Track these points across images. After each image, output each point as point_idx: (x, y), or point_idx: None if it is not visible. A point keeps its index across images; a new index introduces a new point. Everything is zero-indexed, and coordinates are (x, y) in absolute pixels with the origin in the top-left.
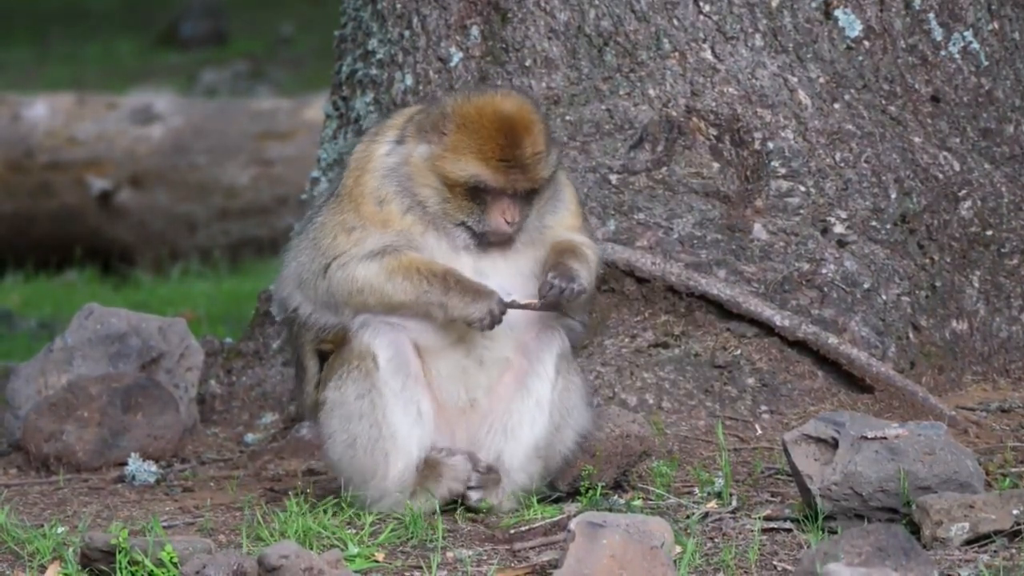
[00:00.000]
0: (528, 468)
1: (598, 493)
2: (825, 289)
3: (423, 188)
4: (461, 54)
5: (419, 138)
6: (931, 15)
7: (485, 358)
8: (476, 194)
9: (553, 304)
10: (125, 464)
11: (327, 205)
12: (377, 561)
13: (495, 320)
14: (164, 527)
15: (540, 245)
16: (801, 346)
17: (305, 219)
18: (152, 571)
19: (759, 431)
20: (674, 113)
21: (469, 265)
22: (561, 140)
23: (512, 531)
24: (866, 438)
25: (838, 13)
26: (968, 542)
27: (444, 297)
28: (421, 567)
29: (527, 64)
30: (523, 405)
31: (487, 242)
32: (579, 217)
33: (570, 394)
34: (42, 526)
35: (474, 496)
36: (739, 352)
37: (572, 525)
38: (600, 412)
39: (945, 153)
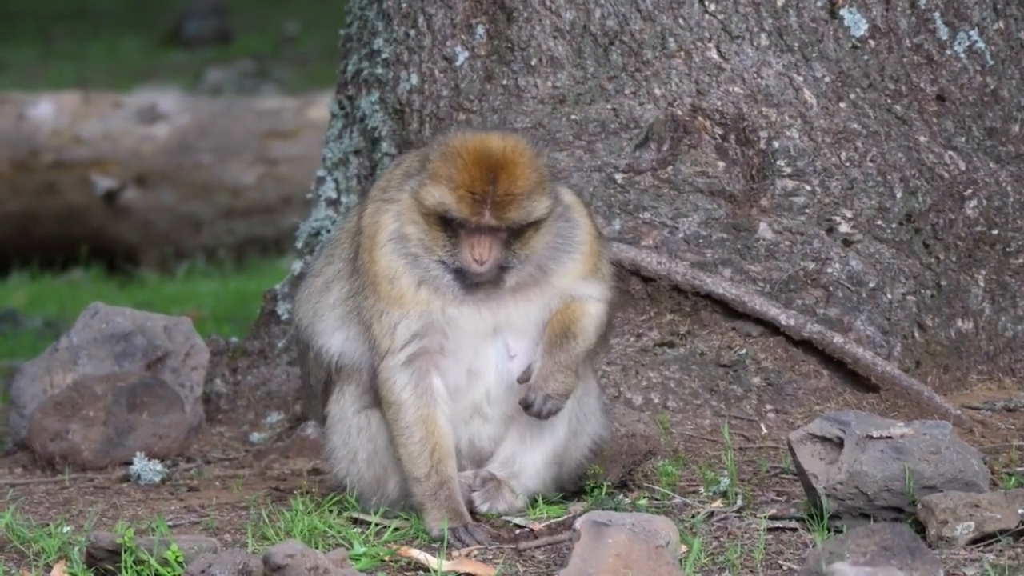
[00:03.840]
0: (543, 474)
1: (603, 492)
2: (830, 288)
3: (409, 226)
4: (467, 53)
5: (409, 179)
6: (936, 14)
7: (490, 415)
8: (447, 225)
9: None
10: (130, 463)
11: (363, 292)
12: (382, 560)
13: (458, 541)
14: (169, 526)
15: (550, 293)
16: (806, 345)
17: (326, 255)
18: (157, 570)
19: (764, 430)
20: (679, 112)
21: (483, 318)
22: (575, 191)
23: (517, 530)
24: (871, 437)
25: (843, 12)
26: (973, 541)
27: (429, 498)
28: (426, 566)
29: (532, 63)
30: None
31: (470, 284)
32: (589, 262)
33: (588, 399)
34: (47, 525)
35: (482, 508)
36: (744, 351)
37: (577, 524)
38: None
39: (950, 152)
